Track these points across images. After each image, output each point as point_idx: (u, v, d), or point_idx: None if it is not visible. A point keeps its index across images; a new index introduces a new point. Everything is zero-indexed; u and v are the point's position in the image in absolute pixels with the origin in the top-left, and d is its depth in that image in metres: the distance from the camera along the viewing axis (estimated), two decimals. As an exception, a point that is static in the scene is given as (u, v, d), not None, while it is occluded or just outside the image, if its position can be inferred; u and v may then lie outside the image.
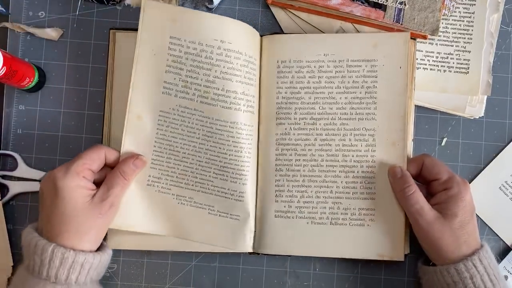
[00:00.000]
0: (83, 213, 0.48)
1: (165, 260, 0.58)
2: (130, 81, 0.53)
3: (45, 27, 0.58)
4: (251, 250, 0.55)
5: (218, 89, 0.52)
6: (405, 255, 0.54)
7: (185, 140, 0.54)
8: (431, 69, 0.58)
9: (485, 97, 0.58)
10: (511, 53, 0.59)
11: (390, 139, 0.54)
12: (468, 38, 0.58)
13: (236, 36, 0.53)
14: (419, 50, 0.58)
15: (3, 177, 0.57)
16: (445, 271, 0.48)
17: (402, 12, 0.56)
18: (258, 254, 0.55)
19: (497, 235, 0.58)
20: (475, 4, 0.58)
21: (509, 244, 0.58)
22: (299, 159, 0.55)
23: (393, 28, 0.56)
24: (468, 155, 0.59)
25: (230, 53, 0.52)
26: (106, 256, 0.50)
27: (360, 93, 0.54)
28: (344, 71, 0.54)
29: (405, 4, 0.56)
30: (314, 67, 0.55)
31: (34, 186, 0.57)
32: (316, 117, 0.55)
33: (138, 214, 0.54)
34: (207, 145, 0.53)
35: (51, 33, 0.58)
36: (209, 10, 0.59)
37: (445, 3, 0.57)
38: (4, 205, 0.57)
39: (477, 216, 0.58)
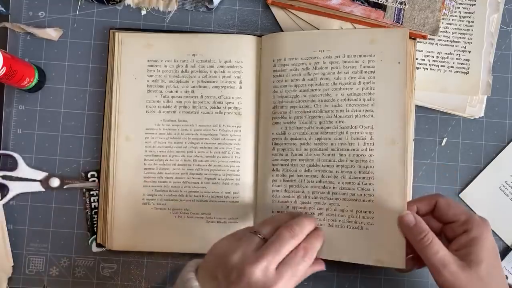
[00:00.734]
0: None
1: (165, 260, 0.58)
2: (116, 104, 0.56)
3: (45, 27, 0.58)
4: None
5: (197, 97, 0.56)
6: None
7: (174, 152, 0.55)
8: (431, 69, 0.58)
9: (485, 97, 0.58)
10: (511, 53, 0.59)
11: (389, 137, 0.51)
12: (468, 38, 0.58)
13: (208, 47, 0.56)
14: (419, 50, 0.58)
15: (3, 177, 0.57)
16: None
17: (402, 12, 0.56)
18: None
19: (497, 235, 0.58)
20: (475, 4, 0.58)
21: (509, 244, 0.58)
22: (295, 159, 0.53)
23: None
24: (468, 155, 0.59)
25: (202, 63, 0.56)
26: None
27: (357, 89, 0.52)
28: (340, 67, 0.53)
29: (405, 4, 0.56)
30: (309, 64, 0.54)
31: (34, 186, 0.57)
32: (312, 115, 0.53)
33: (138, 234, 0.55)
34: (195, 152, 0.55)
35: (51, 33, 0.58)
36: (209, 10, 0.59)
37: (445, 3, 0.57)
38: (4, 205, 0.57)
39: (477, 216, 0.58)
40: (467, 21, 0.58)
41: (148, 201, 0.55)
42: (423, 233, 0.46)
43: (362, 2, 0.56)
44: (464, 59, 0.58)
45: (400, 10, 0.56)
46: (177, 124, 0.56)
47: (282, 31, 0.58)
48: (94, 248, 0.57)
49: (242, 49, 0.56)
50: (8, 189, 0.57)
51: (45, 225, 0.57)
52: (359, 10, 0.56)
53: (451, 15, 0.58)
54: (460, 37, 0.58)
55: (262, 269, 0.42)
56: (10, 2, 0.59)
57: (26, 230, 0.57)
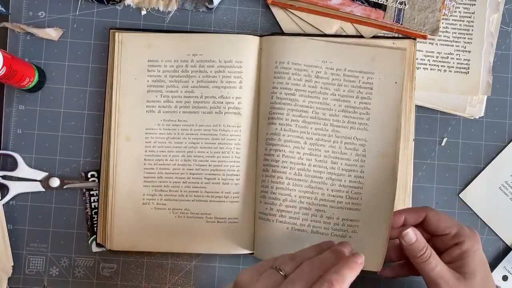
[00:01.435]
0: None
1: (165, 260, 0.58)
2: (116, 104, 0.56)
3: (45, 27, 0.58)
4: (252, 251, 0.55)
5: (197, 97, 0.56)
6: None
7: (173, 152, 0.55)
8: (431, 69, 0.58)
9: (485, 97, 0.58)
10: (511, 53, 0.59)
11: (380, 151, 0.53)
12: (468, 38, 0.58)
13: (208, 47, 0.56)
14: (419, 50, 0.58)
15: (3, 177, 0.57)
16: None
17: (402, 12, 0.56)
18: (258, 254, 0.55)
19: (497, 235, 0.58)
20: (475, 4, 0.58)
21: (509, 244, 0.58)
22: (286, 161, 0.54)
23: (393, 28, 0.56)
24: (468, 155, 0.59)
25: (203, 63, 0.56)
26: None
27: (354, 102, 0.54)
28: (340, 79, 0.55)
29: (405, 4, 0.56)
30: (312, 71, 0.55)
31: (34, 186, 0.57)
32: (308, 121, 0.54)
33: (138, 234, 0.55)
34: (195, 152, 0.55)
35: (51, 33, 0.58)
36: (209, 10, 0.59)
37: (445, 3, 0.57)
38: (4, 205, 0.57)
39: (477, 216, 0.58)
40: (467, 21, 0.58)
41: (148, 201, 0.55)
42: (423, 250, 0.47)
43: (362, 2, 0.56)
44: (464, 59, 0.58)
45: (400, 10, 0.56)
46: (177, 124, 0.56)
47: (282, 31, 0.58)
48: (94, 248, 0.57)
49: (242, 49, 0.56)
50: (8, 189, 0.57)
51: (45, 225, 0.57)
52: (359, 10, 0.56)
53: (451, 15, 0.58)
54: (460, 37, 0.58)
55: None
56: (10, 2, 0.59)
57: (26, 230, 0.57)
